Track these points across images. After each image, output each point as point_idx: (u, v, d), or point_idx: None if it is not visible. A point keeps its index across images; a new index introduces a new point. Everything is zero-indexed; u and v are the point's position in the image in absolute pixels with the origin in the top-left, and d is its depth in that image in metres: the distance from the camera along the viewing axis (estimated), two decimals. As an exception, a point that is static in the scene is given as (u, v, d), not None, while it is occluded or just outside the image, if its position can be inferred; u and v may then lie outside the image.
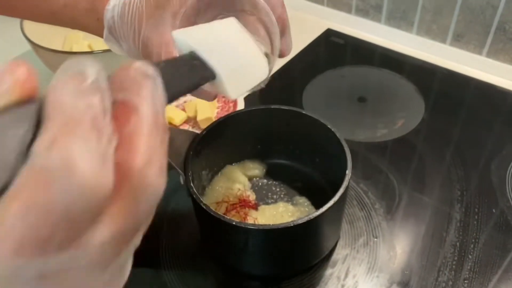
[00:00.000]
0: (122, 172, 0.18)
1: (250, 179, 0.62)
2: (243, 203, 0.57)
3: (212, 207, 0.56)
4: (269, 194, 0.61)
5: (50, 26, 0.78)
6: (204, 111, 0.70)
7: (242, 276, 0.54)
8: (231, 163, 0.63)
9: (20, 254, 0.16)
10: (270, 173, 0.63)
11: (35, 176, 0.16)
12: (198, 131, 0.70)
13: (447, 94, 0.79)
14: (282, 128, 0.59)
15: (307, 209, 0.58)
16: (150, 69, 0.20)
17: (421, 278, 0.52)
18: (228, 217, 0.46)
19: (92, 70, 0.18)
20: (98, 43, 0.79)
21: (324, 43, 0.91)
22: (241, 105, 0.73)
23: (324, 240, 0.52)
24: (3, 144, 0.16)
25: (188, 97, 0.72)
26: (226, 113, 0.73)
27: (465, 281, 0.52)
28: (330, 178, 0.59)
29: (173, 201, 0.61)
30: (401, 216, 0.59)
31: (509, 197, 0.61)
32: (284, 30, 0.42)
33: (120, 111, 0.19)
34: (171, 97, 0.25)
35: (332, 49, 0.90)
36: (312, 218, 0.45)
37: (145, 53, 0.41)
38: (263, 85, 0.45)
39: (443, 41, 0.86)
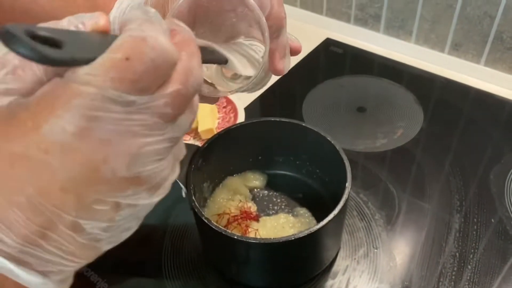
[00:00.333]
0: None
1: (251, 190, 0.63)
2: (244, 215, 0.58)
3: (214, 219, 0.57)
4: (270, 205, 0.61)
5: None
6: (205, 122, 0.71)
7: (244, 288, 0.54)
8: (232, 175, 0.63)
9: (120, 85, 0.22)
10: (271, 184, 0.64)
11: (133, 38, 0.23)
12: (199, 142, 0.70)
13: (445, 103, 0.79)
14: (283, 140, 0.60)
15: (307, 220, 0.58)
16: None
17: (421, 288, 0.53)
18: (229, 231, 0.46)
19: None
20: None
21: (324, 53, 0.92)
22: (241, 116, 0.73)
23: (324, 252, 0.52)
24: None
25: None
26: (227, 124, 0.73)
27: (465, 292, 0.53)
28: (330, 189, 0.60)
29: (175, 212, 0.61)
30: (400, 226, 0.60)
31: (507, 206, 0.62)
32: (279, 30, 0.41)
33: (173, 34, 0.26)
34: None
35: (331, 59, 0.91)
36: (312, 231, 0.45)
37: None
38: (260, 87, 0.46)
39: (442, 50, 0.87)
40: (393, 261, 0.56)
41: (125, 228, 0.26)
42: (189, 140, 0.72)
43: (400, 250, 0.57)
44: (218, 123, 0.73)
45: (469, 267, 0.55)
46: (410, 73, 0.86)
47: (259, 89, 0.48)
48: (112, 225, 0.25)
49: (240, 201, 0.60)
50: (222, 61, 0.40)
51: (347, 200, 0.49)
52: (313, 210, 0.59)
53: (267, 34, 0.38)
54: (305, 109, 0.78)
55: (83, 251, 0.25)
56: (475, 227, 0.59)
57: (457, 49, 0.85)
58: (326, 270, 0.55)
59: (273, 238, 0.46)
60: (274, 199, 0.62)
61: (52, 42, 0.21)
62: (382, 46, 0.92)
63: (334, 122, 0.76)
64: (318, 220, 0.58)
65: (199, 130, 0.70)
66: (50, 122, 0.22)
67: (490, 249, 0.57)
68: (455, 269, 0.55)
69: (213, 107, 0.75)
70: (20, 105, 0.23)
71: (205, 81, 0.44)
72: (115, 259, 0.48)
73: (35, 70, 0.24)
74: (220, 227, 0.47)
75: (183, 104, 0.25)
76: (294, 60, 0.88)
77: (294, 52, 0.46)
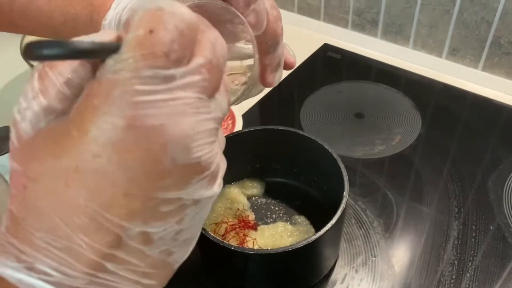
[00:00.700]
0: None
1: (249, 198, 0.63)
2: (242, 224, 0.57)
3: (212, 228, 0.57)
4: (268, 213, 0.61)
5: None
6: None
7: (242, 297, 0.54)
8: (230, 183, 0.63)
9: (153, 60, 0.21)
10: (269, 192, 0.64)
11: (149, 10, 0.22)
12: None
13: (443, 109, 0.79)
14: (280, 147, 0.60)
15: (306, 228, 0.58)
16: None
17: (420, 297, 0.53)
18: (227, 241, 0.46)
19: None
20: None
21: (321, 58, 0.92)
22: (239, 122, 0.73)
23: (323, 261, 0.52)
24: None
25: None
26: (225, 130, 0.73)
27: (464, 300, 0.52)
28: (328, 196, 0.60)
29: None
30: (399, 234, 0.60)
31: (506, 213, 0.61)
32: (275, 45, 0.40)
33: None
34: None
35: (329, 64, 0.91)
36: (310, 242, 0.45)
37: None
38: (253, 95, 0.46)
39: (439, 55, 0.87)
40: (391, 269, 0.56)
41: (192, 236, 0.25)
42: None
43: (398, 258, 0.57)
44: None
45: (468, 275, 0.55)
46: (408, 78, 0.86)
47: (253, 96, 0.47)
48: (180, 229, 0.24)
49: (238, 209, 0.60)
50: None
51: (344, 210, 0.48)
52: (311, 218, 0.59)
53: (257, 56, 0.38)
54: (303, 115, 0.78)
55: (155, 270, 0.23)
56: (474, 234, 0.59)
57: (454, 54, 0.85)
58: (325, 279, 0.55)
59: (271, 249, 0.45)
60: (272, 207, 0.62)
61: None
62: (379, 51, 0.92)
63: (332, 129, 0.76)
64: (317, 228, 0.58)
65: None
66: (96, 123, 0.20)
67: (489, 257, 0.57)
68: (454, 277, 0.55)
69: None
70: (61, 121, 0.22)
71: None
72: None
73: (66, 90, 0.23)
74: (218, 237, 0.47)
75: (217, 77, 0.24)
76: (291, 66, 0.89)
77: (287, 66, 0.46)
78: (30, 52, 0.19)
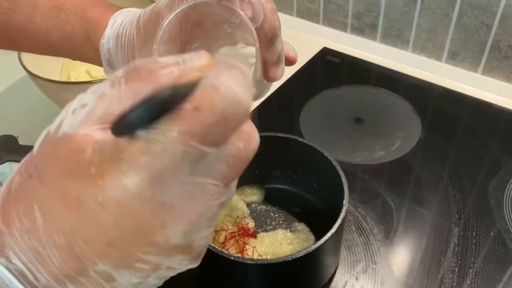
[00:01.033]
0: None
1: (248, 205, 0.63)
2: (242, 232, 0.57)
3: (211, 236, 0.57)
4: (268, 220, 0.61)
5: (47, 53, 0.79)
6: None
7: (242, 306, 0.54)
8: (229, 190, 0.63)
9: (189, 138, 0.20)
10: (269, 199, 0.63)
11: (203, 87, 0.21)
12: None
13: (443, 113, 0.79)
14: (280, 154, 0.60)
15: (305, 236, 0.58)
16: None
17: (421, 305, 0.53)
18: (226, 251, 0.46)
19: None
20: (96, 69, 0.79)
21: (320, 62, 0.92)
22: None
23: (323, 269, 0.52)
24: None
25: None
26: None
27: (464, 308, 0.52)
28: (328, 203, 0.60)
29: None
30: (399, 241, 0.59)
31: (507, 219, 0.61)
32: (273, 38, 0.40)
33: None
34: None
35: (328, 68, 0.91)
36: (310, 251, 0.45)
37: None
38: (262, 94, 0.46)
39: (439, 59, 0.86)
40: (392, 276, 0.56)
41: (152, 285, 0.25)
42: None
43: (399, 265, 0.57)
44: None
45: (468, 281, 0.55)
46: (408, 82, 0.86)
47: (261, 96, 0.47)
48: (144, 282, 0.24)
49: (238, 217, 0.60)
50: None
51: (344, 218, 0.48)
52: (311, 225, 0.59)
53: (258, 45, 0.38)
54: (302, 120, 0.78)
55: None
56: (474, 240, 0.59)
57: (454, 57, 0.85)
58: (325, 287, 0.55)
59: (271, 259, 0.45)
60: (272, 214, 0.62)
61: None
62: (379, 55, 0.92)
63: (331, 134, 0.76)
64: (316, 235, 0.58)
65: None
66: (112, 175, 0.21)
67: (489, 263, 0.56)
68: (454, 284, 0.54)
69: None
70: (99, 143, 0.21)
71: None
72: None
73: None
74: (217, 246, 0.46)
75: (242, 168, 0.24)
76: (291, 70, 0.88)
77: (289, 62, 0.45)
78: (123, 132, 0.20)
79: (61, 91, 0.69)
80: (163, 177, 0.21)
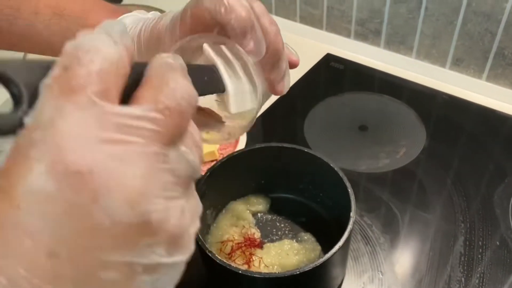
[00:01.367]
0: None
1: (254, 214, 0.63)
2: (248, 242, 0.57)
3: (217, 247, 0.57)
4: (274, 230, 0.61)
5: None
6: (207, 145, 0.70)
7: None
8: (235, 199, 0.63)
9: (72, 93, 0.19)
10: (274, 208, 0.63)
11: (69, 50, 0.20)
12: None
13: (447, 120, 0.79)
14: (285, 164, 0.60)
15: (312, 246, 0.58)
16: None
17: (428, 316, 0.53)
18: (234, 264, 0.46)
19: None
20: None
21: (324, 69, 0.92)
22: (243, 136, 0.73)
23: (330, 281, 0.52)
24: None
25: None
26: (228, 146, 0.73)
27: (471, 319, 0.52)
28: (334, 213, 0.60)
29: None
30: (405, 251, 0.59)
31: (512, 228, 0.61)
32: (278, 60, 0.39)
33: None
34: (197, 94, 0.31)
35: (332, 75, 0.91)
36: (318, 264, 0.45)
37: None
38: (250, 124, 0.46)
39: (443, 65, 0.86)
40: (398, 286, 0.55)
41: None
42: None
43: (405, 275, 0.57)
44: (219, 146, 0.73)
45: (475, 292, 0.55)
46: (411, 89, 0.86)
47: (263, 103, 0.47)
48: None
49: (244, 227, 0.60)
50: (219, 90, 0.37)
51: (351, 231, 0.48)
52: (317, 235, 0.59)
53: (257, 71, 0.38)
54: (306, 128, 0.78)
55: None
56: (480, 250, 0.59)
57: (458, 64, 0.85)
58: (332, 298, 0.55)
59: (278, 273, 0.45)
60: (278, 224, 0.62)
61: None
62: (383, 61, 0.92)
63: (336, 142, 0.76)
64: (323, 245, 0.58)
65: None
66: (18, 167, 0.18)
67: (496, 272, 0.56)
68: (461, 294, 0.54)
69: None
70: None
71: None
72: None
73: None
74: (224, 257, 0.46)
75: (177, 123, 0.21)
76: (295, 77, 0.88)
77: (291, 66, 0.45)
78: None
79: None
80: (66, 144, 0.18)
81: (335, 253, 0.46)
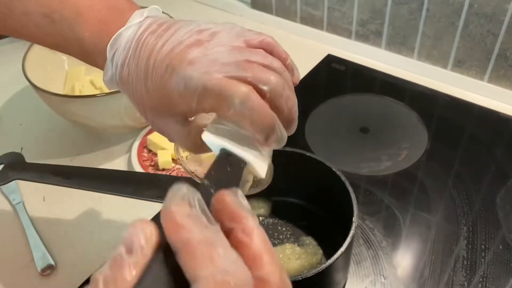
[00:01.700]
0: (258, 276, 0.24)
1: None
2: (249, 247, 0.57)
3: (219, 251, 0.56)
4: (276, 234, 0.61)
5: (51, 63, 0.78)
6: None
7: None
8: (236, 203, 0.62)
9: None
10: (276, 211, 0.63)
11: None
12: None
13: (449, 122, 0.79)
14: (287, 168, 0.59)
15: (313, 250, 0.58)
16: (244, 201, 0.27)
17: (430, 321, 0.52)
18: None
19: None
20: (101, 79, 0.79)
21: (325, 70, 0.92)
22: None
23: (332, 287, 0.52)
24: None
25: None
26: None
27: (475, 324, 0.52)
28: (336, 217, 0.59)
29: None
30: (407, 255, 0.59)
31: (515, 231, 0.61)
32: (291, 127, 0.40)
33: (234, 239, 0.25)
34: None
35: (333, 76, 0.90)
36: (320, 270, 0.45)
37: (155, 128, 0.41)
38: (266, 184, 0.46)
39: (444, 66, 0.86)
40: (401, 292, 0.55)
41: None
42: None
43: (407, 279, 0.56)
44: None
45: (478, 296, 0.54)
46: (413, 90, 0.86)
47: None
48: None
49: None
50: (244, 167, 0.37)
51: (354, 236, 0.48)
52: (319, 239, 0.59)
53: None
54: (308, 130, 0.78)
55: None
56: (483, 253, 0.59)
57: (460, 65, 0.84)
58: (334, 303, 0.54)
59: (280, 279, 0.45)
60: (279, 227, 0.61)
61: None
62: (384, 62, 0.91)
63: (337, 144, 0.76)
64: (324, 249, 0.58)
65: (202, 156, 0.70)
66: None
67: (499, 276, 0.56)
68: (464, 299, 0.54)
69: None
70: None
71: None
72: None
73: None
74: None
75: None
76: (295, 78, 0.88)
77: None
78: None
79: (65, 104, 0.69)
80: None
81: (337, 258, 0.46)
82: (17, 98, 0.88)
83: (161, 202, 0.48)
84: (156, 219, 0.24)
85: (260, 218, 0.62)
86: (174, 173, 0.70)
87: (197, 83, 0.34)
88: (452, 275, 0.57)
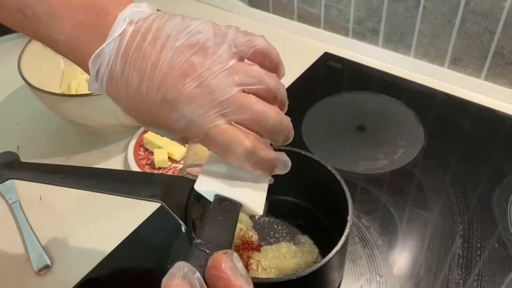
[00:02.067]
0: None
1: (251, 217, 0.62)
2: (246, 246, 0.57)
3: (215, 250, 0.56)
4: (271, 233, 0.61)
5: (47, 62, 0.78)
6: (203, 148, 0.70)
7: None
8: (232, 202, 0.62)
9: None
10: (272, 210, 0.63)
11: None
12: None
13: (446, 120, 0.79)
14: (283, 167, 0.59)
15: (309, 248, 0.58)
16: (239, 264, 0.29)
17: (426, 319, 0.52)
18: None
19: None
20: (96, 78, 0.79)
21: (322, 68, 0.91)
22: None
23: (327, 285, 0.52)
24: None
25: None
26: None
27: (470, 322, 0.52)
28: (331, 216, 0.60)
29: (177, 242, 0.61)
30: (403, 253, 0.59)
31: (511, 230, 0.61)
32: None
33: None
34: (230, 243, 0.34)
35: (330, 74, 0.90)
36: (315, 269, 0.45)
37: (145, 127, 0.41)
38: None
39: (441, 64, 0.86)
40: (396, 290, 0.55)
41: None
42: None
43: (403, 277, 0.56)
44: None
45: (473, 295, 0.54)
46: (410, 88, 0.86)
47: None
48: None
49: (241, 229, 0.59)
50: (239, 209, 0.38)
51: (348, 235, 0.48)
52: (315, 237, 0.59)
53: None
54: (304, 129, 0.78)
55: None
56: (478, 252, 0.59)
57: (456, 63, 0.84)
58: (329, 301, 0.54)
59: (275, 278, 0.45)
60: (275, 226, 0.62)
61: None
62: (381, 60, 0.91)
63: (334, 143, 0.76)
64: (320, 247, 0.58)
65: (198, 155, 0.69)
66: None
67: (494, 274, 0.56)
68: (459, 297, 0.54)
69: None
70: None
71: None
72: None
73: None
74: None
75: None
76: (293, 76, 0.88)
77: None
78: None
79: (60, 103, 0.68)
80: None
81: (332, 257, 0.46)
82: (13, 97, 0.88)
83: (156, 202, 0.48)
84: None
85: (256, 217, 0.62)
86: (170, 172, 0.70)
87: (199, 129, 0.34)
88: (447, 274, 0.57)
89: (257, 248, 0.57)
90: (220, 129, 0.34)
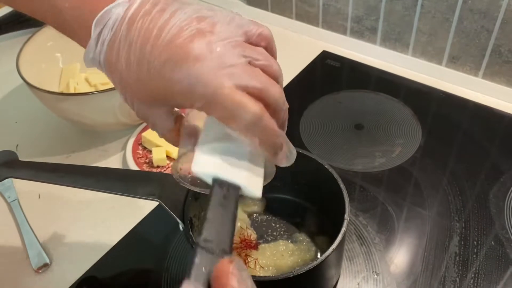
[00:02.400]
0: None
1: (249, 215, 0.63)
2: (244, 244, 0.57)
3: (213, 248, 0.57)
4: (269, 231, 0.61)
5: (45, 61, 0.78)
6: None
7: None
8: (230, 200, 0.63)
9: None
10: (270, 208, 0.63)
11: None
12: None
13: (443, 118, 0.79)
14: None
15: (307, 246, 0.58)
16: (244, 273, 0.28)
17: (422, 317, 0.53)
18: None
19: None
20: (96, 76, 0.79)
21: (320, 66, 0.92)
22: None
23: (324, 282, 0.52)
24: None
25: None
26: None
27: (466, 319, 0.52)
28: (329, 214, 0.60)
29: (175, 240, 0.61)
30: (400, 251, 0.59)
31: (508, 228, 0.61)
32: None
33: None
34: (233, 233, 0.33)
35: (328, 73, 0.90)
36: (312, 267, 0.45)
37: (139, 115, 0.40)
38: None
39: (439, 62, 0.86)
40: (393, 287, 0.56)
41: None
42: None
43: (400, 275, 0.57)
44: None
45: (470, 292, 0.55)
46: (408, 86, 0.86)
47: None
48: None
49: (240, 227, 0.60)
50: (239, 192, 0.37)
51: (345, 233, 0.48)
52: (312, 236, 0.59)
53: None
54: (302, 127, 0.78)
55: None
56: (475, 250, 0.59)
57: (454, 62, 0.84)
58: (327, 299, 0.55)
59: (272, 276, 0.45)
60: (273, 224, 0.62)
61: None
62: (379, 59, 0.91)
63: (332, 141, 0.76)
64: (317, 245, 0.58)
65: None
66: None
67: (490, 273, 0.56)
68: (456, 294, 0.55)
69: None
70: None
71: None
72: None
73: None
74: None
75: None
76: (291, 75, 0.88)
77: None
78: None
79: (59, 102, 0.69)
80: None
81: (329, 255, 0.46)
82: (12, 96, 0.88)
83: (154, 200, 0.48)
84: None
85: (254, 215, 0.63)
86: (168, 171, 0.70)
87: (206, 88, 0.32)
88: (444, 271, 0.57)
89: (255, 246, 0.58)
90: (229, 91, 0.32)
